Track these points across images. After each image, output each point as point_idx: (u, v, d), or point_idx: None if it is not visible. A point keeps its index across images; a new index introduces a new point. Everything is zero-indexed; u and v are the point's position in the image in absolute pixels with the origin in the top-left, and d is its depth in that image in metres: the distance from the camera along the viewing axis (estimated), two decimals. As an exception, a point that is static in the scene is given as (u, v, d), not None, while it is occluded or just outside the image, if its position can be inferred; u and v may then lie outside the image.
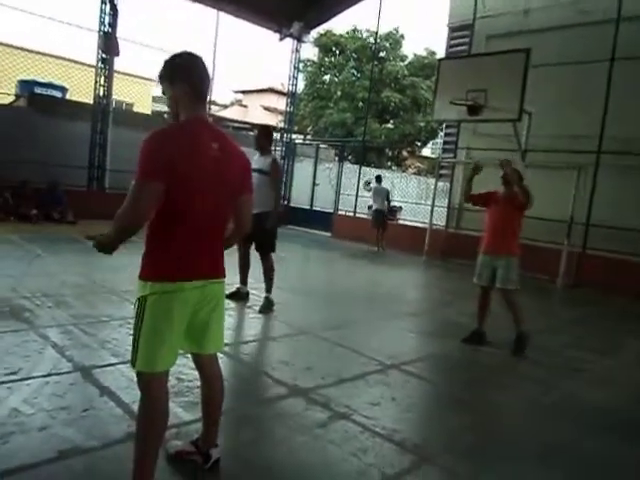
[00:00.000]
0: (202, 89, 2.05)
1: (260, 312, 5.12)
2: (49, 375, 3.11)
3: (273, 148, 15.29)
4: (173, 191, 1.86)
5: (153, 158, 1.84)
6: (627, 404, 3.84)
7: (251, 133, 15.45)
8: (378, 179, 12.42)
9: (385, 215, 12.05)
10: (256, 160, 5.10)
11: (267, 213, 5.04)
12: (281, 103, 20.35)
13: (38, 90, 13.13)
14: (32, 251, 7.02)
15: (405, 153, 27.87)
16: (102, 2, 11.36)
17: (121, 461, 2.29)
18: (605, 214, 9.34)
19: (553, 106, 10.06)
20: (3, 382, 2.93)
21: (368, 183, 13.63)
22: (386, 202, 12.08)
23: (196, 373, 3.34)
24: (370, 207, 12.51)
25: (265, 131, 5.38)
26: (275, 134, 18.64)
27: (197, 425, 2.67)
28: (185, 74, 2.02)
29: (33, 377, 3.05)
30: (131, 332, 4.04)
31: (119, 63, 12.10)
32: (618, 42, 9.35)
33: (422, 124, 25.50)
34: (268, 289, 5.31)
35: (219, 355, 2.40)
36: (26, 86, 13.52)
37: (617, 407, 3.73)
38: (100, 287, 5.45)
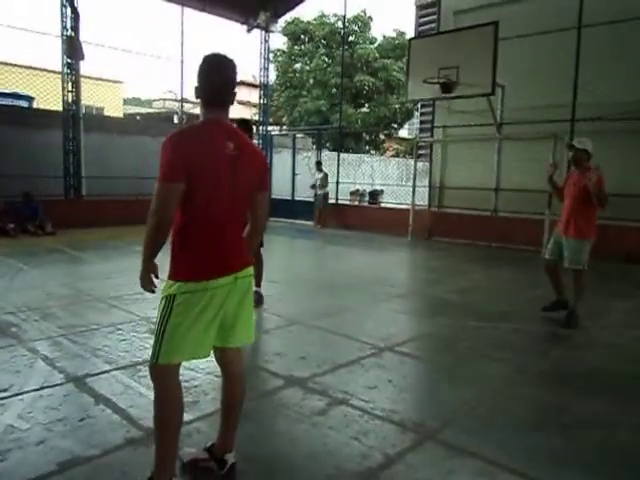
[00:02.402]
0: (216, 92, 2.06)
1: None
2: (42, 388, 3.07)
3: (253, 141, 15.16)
4: (193, 191, 1.94)
5: (172, 161, 1.91)
6: (618, 366, 3.92)
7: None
8: (318, 165, 13.74)
9: (325, 198, 13.59)
10: None
11: None
12: (254, 95, 20.17)
13: (2, 101, 12.84)
14: (13, 266, 6.90)
15: (382, 136, 27.89)
16: (62, 5, 11.10)
17: (123, 467, 2.29)
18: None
19: (525, 78, 10.13)
20: (-5, 399, 2.90)
21: (320, 163, 14.08)
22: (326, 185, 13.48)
23: (193, 373, 3.36)
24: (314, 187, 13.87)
25: (245, 125, 5.27)
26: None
27: (198, 424, 2.67)
28: (200, 77, 2.06)
29: (26, 392, 3.01)
30: (124, 337, 4.05)
31: (86, 67, 11.91)
32: (584, 9, 9.40)
33: (397, 106, 25.52)
34: (257, 283, 5.29)
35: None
36: (-9, 98, 13.21)
37: (608, 369, 3.81)
38: (86, 296, 5.38)
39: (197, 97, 2.10)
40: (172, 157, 1.91)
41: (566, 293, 5.05)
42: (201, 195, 1.97)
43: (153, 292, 2.08)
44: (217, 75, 2.07)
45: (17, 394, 2.98)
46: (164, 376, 2.04)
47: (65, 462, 2.31)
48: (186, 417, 2.69)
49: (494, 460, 2.45)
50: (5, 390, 3.02)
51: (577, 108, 9.52)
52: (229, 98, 2.09)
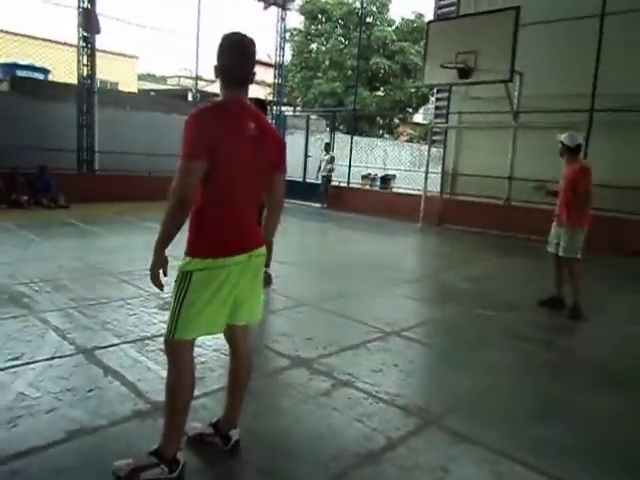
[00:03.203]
0: (235, 72, 2.06)
1: None
2: (52, 358, 3.13)
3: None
4: (215, 169, 1.93)
5: (194, 138, 1.90)
6: (624, 359, 3.90)
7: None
8: (327, 147, 13.88)
9: (329, 179, 13.86)
10: None
11: None
12: (268, 75, 19.99)
13: (20, 73, 12.87)
14: (26, 237, 6.98)
15: (397, 120, 27.61)
16: (79, -23, 11.03)
17: (130, 438, 2.33)
18: (601, 172, 9.30)
19: (545, 65, 9.92)
20: (7, 367, 2.95)
21: (328, 145, 14.17)
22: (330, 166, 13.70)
23: (200, 350, 3.40)
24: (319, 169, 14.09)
25: (259, 105, 5.19)
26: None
27: (204, 400, 2.71)
28: (220, 56, 2.05)
29: (37, 361, 3.07)
30: (133, 312, 4.10)
31: (101, 41, 11.86)
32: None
33: (413, 90, 25.20)
34: (267, 264, 5.30)
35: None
36: (7, 69, 13.24)
37: (614, 362, 3.80)
38: (97, 270, 5.44)
39: (216, 76, 2.09)
40: (195, 135, 1.91)
41: (563, 291, 5.07)
42: (223, 173, 1.97)
43: (162, 289, 2.05)
44: (238, 54, 2.06)
45: (28, 363, 3.03)
46: (179, 351, 2.06)
47: (74, 431, 2.35)
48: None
49: (497, 448, 2.46)
50: (17, 358, 3.08)
51: (596, 98, 9.34)
52: (249, 77, 2.08)
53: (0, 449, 2.17)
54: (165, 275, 2.01)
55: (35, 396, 2.64)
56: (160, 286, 2.02)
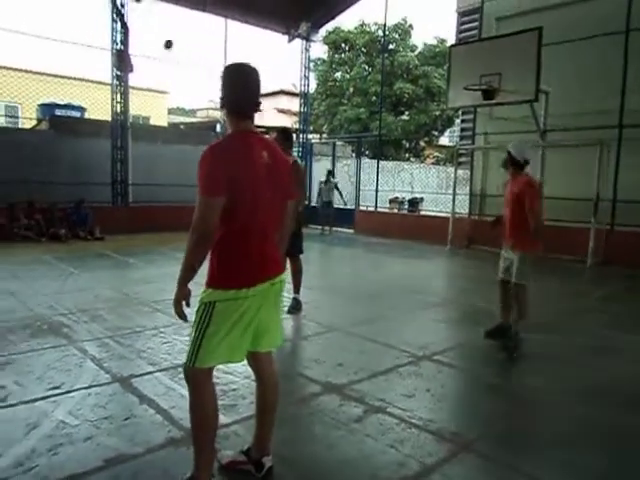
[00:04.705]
0: (246, 103, 2.09)
1: (289, 312, 5.17)
2: (90, 387, 3.22)
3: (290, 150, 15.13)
4: (235, 201, 1.97)
5: (213, 174, 1.94)
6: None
7: (267, 136, 15.55)
8: (329, 175, 13.91)
9: (332, 205, 13.92)
10: None
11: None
12: (294, 104, 20.41)
13: (58, 112, 13.48)
14: (65, 270, 7.22)
15: (422, 143, 27.65)
16: (113, 21, 11.59)
17: (165, 465, 2.37)
18: (632, 189, 9.12)
19: (570, 83, 9.88)
20: (48, 396, 3.05)
21: (330, 171, 14.25)
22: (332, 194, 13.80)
23: (231, 377, 3.44)
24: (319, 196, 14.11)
25: (284, 134, 5.28)
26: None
27: (235, 427, 2.74)
28: (228, 88, 2.08)
29: (75, 390, 3.16)
30: (166, 340, 4.17)
31: (133, 78, 12.36)
32: (632, 12, 9.12)
33: (437, 113, 25.27)
34: (296, 290, 5.36)
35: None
36: (47, 109, 13.92)
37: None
38: (132, 299, 5.58)
39: (222, 107, 2.12)
40: (212, 170, 1.94)
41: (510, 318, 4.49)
42: (242, 205, 2.00)
43: (186, 320, 2.09)
44: (246, 86, 2.09)
45: (68, 391, 3.13)
46: (199, 378, 2.08)
47: (111, 459, 2.41)
48: (224, 420, 2.77)
49: (530, 474, 2.41)
50: (57, 387, 3.18)
51: (625, 114, 9.21)
52: (258, 108, 2.12)
53: (42, 476, 2.24)
54: (188, 306, 2.06)
55: (74, 424, 2.72)
56: (184, 318, 2.06)
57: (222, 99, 2.11)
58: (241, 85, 2.09)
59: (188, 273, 2.00)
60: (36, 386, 3.20)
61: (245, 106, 2.10)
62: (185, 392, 3.12)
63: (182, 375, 3.39)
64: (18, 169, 10.32)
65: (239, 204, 1.99)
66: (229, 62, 2.16)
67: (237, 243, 2.04)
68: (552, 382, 3.65)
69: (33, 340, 4.10)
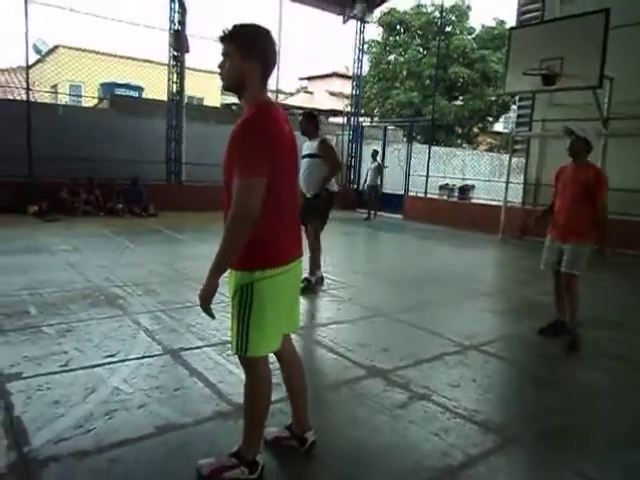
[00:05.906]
0: (271, 68, 1.99)
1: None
2: (143, 357, 3.35)
3: (340, 132, 15.22)
4: (274, 178, 1.89)
5: (255, 153, 1.83)
6: None
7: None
8: (374, 155, 13.34)
9: (377, 189, 13.32)
10: (306, 146, 5.38)
11: (318, 195, 5.29)
12: (346, 87, 20.22)
13: (117, 91, 13.90)
14: (121, 243, 7.51)
15: (476, 130, 26.87)
16: (171, 1, 11.78)
17: (212, 437, 2.45)
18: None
19: (637, 69, 9.29)
20: (105, 364, 3.20)
21: (376, 152, 13.72)
22: (379, 177, 13.22)
23: (274, 357, 3.48)
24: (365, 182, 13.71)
25: (308, 117, 5.50)
26: (342, 118, 18.53)
27: (281, 405, 2.78)
28: (260, 53, 1.93)
29: (130, 359, 3.30)
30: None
31: (189, 59, 12.55)
32: None
33: (493, 98, 24.45)
34: (312, 270, 5.36)
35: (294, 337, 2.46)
36: (107, 88, 14.39)
37: None
38: (182, 275, 5.75)
39: (255, 73, 1.93)
40: (254, 149, 1.83)
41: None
42: (278, 184, 1.92)
43: (213, 318, 1.96)
44: (274, 51, 1.97)
45: (123, 360, 3.27)
46: (260, 366, 2.07)
47: (162, 426, 2.51)
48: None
49: (584, 473, 2.33)
50: (113, 356, 3.33)
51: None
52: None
53: (99, 439, 2.36)
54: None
55: (128, 391, 2.84)
56: (212, 315, 1.93)
57: (252, 66, 1.91)
58: (272, 51, 1.97)
59: (227, 259, 1.87)
60: (94, 353, 3.36)
61: (271, 71, 1.99)
62: (233, 368, 3.22)
63: (230, 352, 3.50)
64: (80, 146, 10.73)
65: (277, 181, 1.90)
66: (241, 23, 1.91)
67: (273, 222, 1.96)
68: (610, 381, 3.51)
69: (92, 310, 4.29)
